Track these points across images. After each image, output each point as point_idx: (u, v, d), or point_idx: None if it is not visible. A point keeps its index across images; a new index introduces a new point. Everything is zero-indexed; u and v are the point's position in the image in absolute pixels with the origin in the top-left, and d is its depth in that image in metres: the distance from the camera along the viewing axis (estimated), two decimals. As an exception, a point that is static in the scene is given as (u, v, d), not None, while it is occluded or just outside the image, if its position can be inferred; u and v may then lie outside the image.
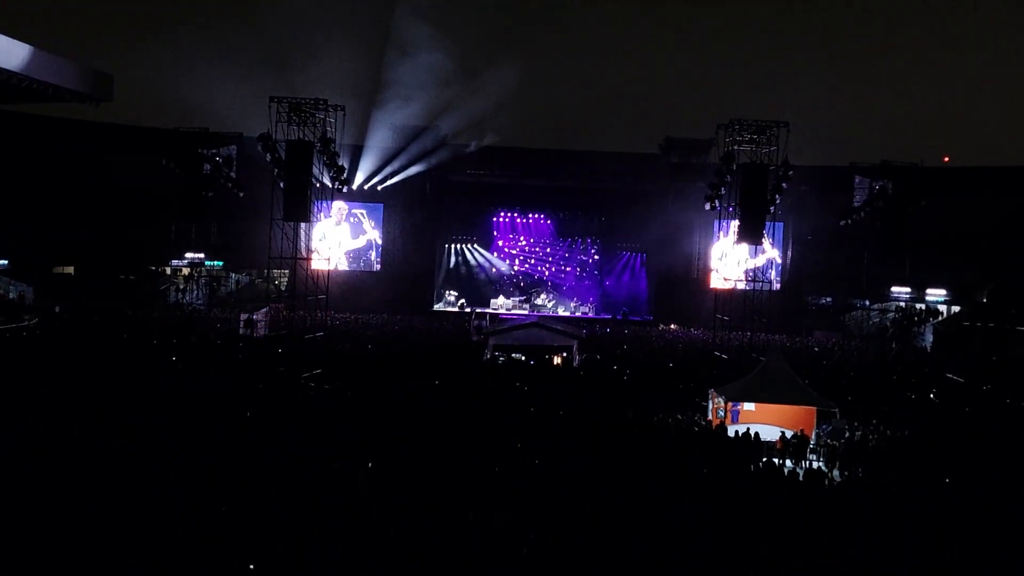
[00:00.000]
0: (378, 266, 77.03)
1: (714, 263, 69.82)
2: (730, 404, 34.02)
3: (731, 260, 67.67)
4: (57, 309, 56.45)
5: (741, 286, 62.11)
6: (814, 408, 33.51)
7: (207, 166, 68.39)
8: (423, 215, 76.71)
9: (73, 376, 32.97)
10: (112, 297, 59.67)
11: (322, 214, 65.63)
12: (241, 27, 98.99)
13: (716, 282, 67.65)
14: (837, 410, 33.47)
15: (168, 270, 70.22)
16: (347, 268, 75.96)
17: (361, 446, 24.48)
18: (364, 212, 76.54)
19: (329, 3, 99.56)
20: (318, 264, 64.87)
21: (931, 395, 40.53)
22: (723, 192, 62.35)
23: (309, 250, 63.14)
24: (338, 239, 75.01)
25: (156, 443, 23.47)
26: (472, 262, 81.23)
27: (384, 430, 27.04)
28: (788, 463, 29.85)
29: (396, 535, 18.15)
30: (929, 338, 61.88)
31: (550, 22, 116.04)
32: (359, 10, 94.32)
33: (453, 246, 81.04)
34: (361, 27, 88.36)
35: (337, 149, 61.06)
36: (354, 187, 72.03)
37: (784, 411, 33.61)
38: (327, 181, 63.10)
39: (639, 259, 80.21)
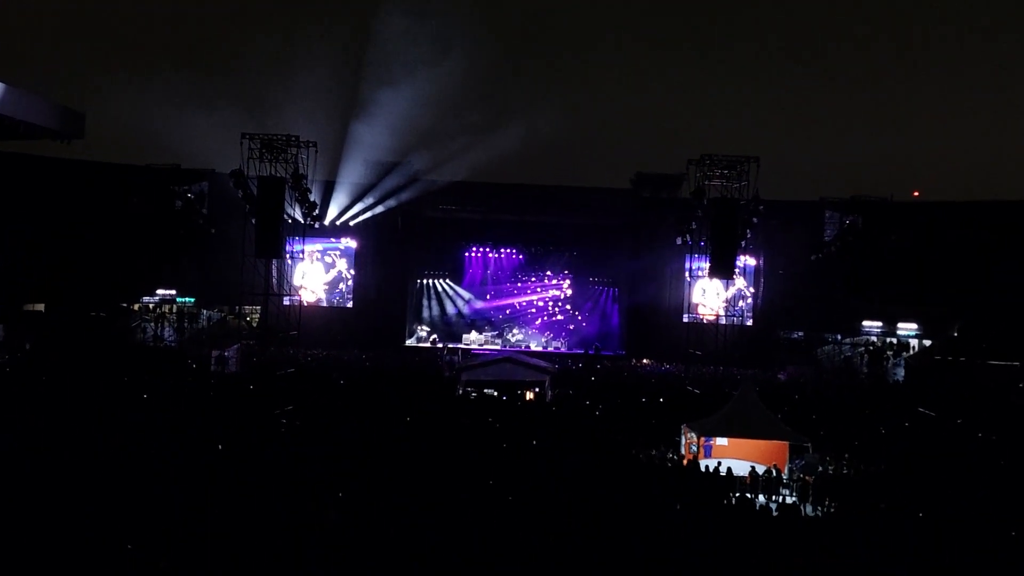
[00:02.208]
0: (350, 301, 76.80)
1: (697, 297, 69.86)
2: (702, 439, 34.06)
3: (712, 294, 68.01)
4: (28, 346, 55.99)
5: (723, 321, 62.37)
6: (786, 443, 33.58)
7: (179, 203, 68.21)
8: (395, 250, 76.47)
9: (45, 411, 32.81)
10: (84, 334, 59.20)
11: (303, 255, 65.75)
12: (213, 64, 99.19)
13: (705, 313, 67.78)
14: (809, 444, 33.55)
15: (139, 307, 69.75)
16: (326, 302, 75.93)
17: (331, 475, 24.52)
18: (337, 252, 76.42)
19: (301, 40, 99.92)
20: (306, 297, 64.87)
21: (903, 429, 40.64)
22: (694, 227, 62.67)
23: (293, 287, 63.09)
24: (314, 275, 74.99)
25: (137, 473, 23.39)
26: (444, 297, 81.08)
27: (356, 460, 27.09)
28: (761, 498, 29.88)
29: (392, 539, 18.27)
30: (900, 372, 62.09)
31: (522, 58, 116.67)
32: (331, 47, 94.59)
33: (425, 281, 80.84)
34: (333, 63, 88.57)
35: (309, 185, 61.10)
36: (326, 222, 71.98)
37: (757, 446, 33.68)
38: (299, 217, 63.07)
39: (611, 293, 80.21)
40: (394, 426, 35.22)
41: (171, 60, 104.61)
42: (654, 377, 60.85)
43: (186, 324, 68.81)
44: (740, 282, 70.96)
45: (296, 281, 67.77)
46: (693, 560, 18.13)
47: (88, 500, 20.75)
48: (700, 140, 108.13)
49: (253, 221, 59.94)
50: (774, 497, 30.24)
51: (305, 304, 71.57)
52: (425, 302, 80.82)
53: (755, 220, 60.58)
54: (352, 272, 76.30)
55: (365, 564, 17.23)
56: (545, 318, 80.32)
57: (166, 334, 66.96)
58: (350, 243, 75.90)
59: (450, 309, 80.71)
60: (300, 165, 60.28)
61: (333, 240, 75.59)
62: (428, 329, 78.31)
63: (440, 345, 71.86)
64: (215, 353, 54.93)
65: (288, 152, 60.27)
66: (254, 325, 69.12)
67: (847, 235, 68.68)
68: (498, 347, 72.67)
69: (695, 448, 34.18)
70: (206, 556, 17.58)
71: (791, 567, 18.22)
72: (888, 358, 64.54)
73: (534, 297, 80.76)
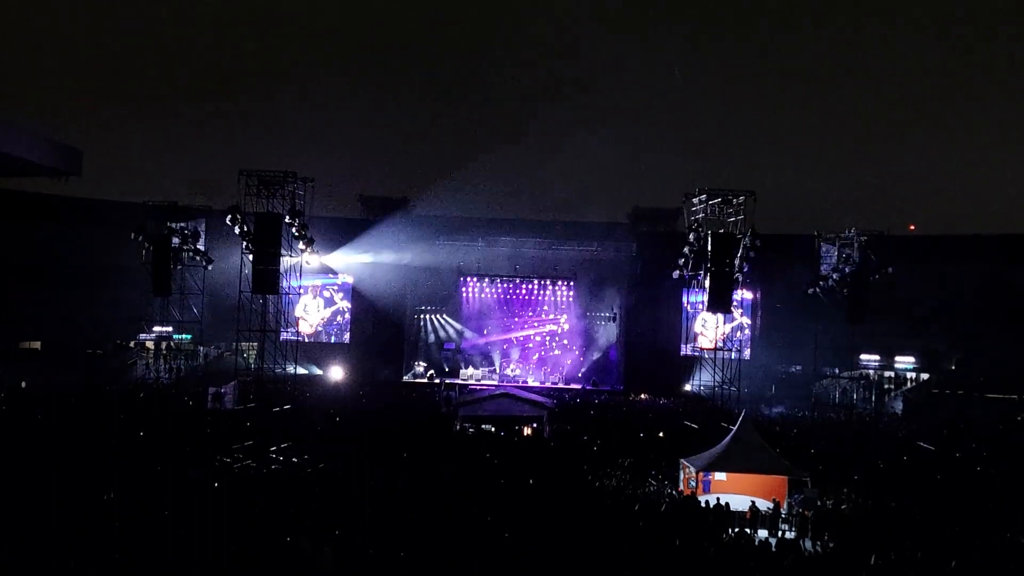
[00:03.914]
0: (347, 336, 76.73)
1: (698, 327, 69.89)
2: (701, 474, 33.92)
3: (712, 326, 67.90)
4: (23, 384, 55.86)
5: (722, 354, 62.31)
6: (785, 477, 33.46)
7: (175, 239, 68.03)
8: (392, 285, 76.34)
9: (40, 449, 32.73)
10: (80, 372, 59.04)
11: (301, 289, 65.80)
12: (210, 102, 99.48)
13: (705, 345, 67.80)
14: (808, 479, 33.42)
15: (136, 344, 69.62)
16: (325, 334, 75.93)
17: (327, 520, 24.38)
18: (335, 287, 76.42)
19: (298, 77, 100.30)
20: (304, 329, 64.91)
21: (901, 463, 40.53)
22: (691, 261, 62.67)
23: (290, 322, 63.07)
24: (315, 310, 75.07)
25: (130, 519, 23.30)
26: (441, 332, 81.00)
27: (352, 498, 26.99)
28: (761, 533, 29.74)
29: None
30: (898, 406, 61.99)
31: (517, 90, 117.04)
32: (328, 83, 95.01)
33: (422, 316, 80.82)
34: (331, 100, 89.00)
35: (306, 221, 61.04)
36: (324, 258, 71.89)
37: (756, 480, 33.54)
38: (296, 253, 63.02)
39: (608, 328, 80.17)
40: (391, 462, 35.10)
41: (168, 98, 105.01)
42: (652, 412, 60.67)
43: (183, 361, 68.70)
44: (739, 315, 70.88)
45: (297, 313, 68.12)
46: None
47: (82, 536, 20.66)
48: (696, 174, 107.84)
49: (250, 258, 59.86)
50: (773, 532, 30.12)
51: (303, 339, 71.50)
52: (422, 337, 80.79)
53: (752, 254, 60.55)
54: (349, 307, 76.30)
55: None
56: (543, 353, 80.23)
57: (163, 371, 66.84)
58: (347, 278, 75.91)
59: (447, 344, 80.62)
60: (297, 201, 60.24)
61: (331, 276, 75.64)
62: (425, 364, 78.22)
63: (437, 380, 71.72)
64: (212, 390, 54.85)
65: (285, 188, 60.22)
66: (251, 362, 68.94)
67: (843, 269, 68.62)
68: (495, 382, 72.51)
69: (694, 483, 34.06)
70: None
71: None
72: (888, 391, 64.45)
73: (531, 331, 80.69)
